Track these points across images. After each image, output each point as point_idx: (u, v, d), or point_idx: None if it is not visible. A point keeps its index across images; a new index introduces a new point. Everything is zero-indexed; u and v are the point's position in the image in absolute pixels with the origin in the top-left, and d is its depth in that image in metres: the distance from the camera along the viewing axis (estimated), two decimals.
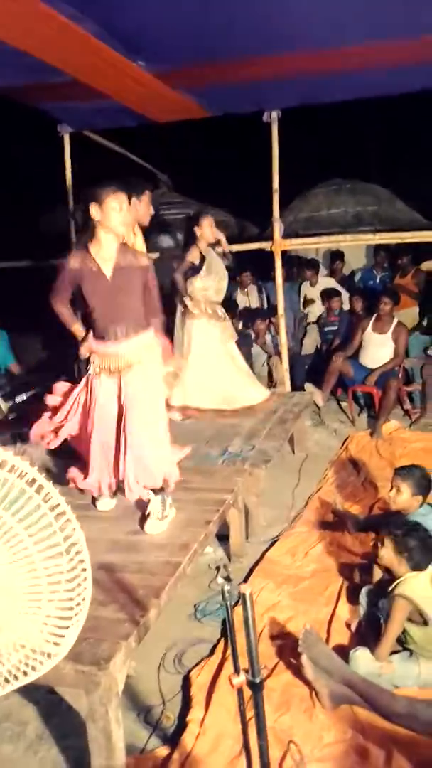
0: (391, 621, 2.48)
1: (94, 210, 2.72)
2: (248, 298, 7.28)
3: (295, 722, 2.28)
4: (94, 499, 3.17)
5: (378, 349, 5.57)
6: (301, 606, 3.00)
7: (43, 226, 7.75)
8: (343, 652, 2.55)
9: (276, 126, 5.50)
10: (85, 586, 1.85)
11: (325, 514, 3.95)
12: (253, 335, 6.38)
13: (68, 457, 3.31)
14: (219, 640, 2.78)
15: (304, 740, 2.17)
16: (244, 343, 6.15)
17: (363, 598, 2.85)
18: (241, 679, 1.53)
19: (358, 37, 3.85)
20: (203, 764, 2.10)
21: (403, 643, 2.56)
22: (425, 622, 2.46)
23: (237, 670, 1.56)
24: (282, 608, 2.99)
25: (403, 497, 3.05)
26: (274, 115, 5.48)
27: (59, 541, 1.79)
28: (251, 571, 3.37)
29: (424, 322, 6.43)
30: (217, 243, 4.76)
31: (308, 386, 5.69)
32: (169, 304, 4.48)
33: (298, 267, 7.40)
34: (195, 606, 3.04)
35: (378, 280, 7.17)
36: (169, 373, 3.10)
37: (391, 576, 2.65)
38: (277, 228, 5.72)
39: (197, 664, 2.63)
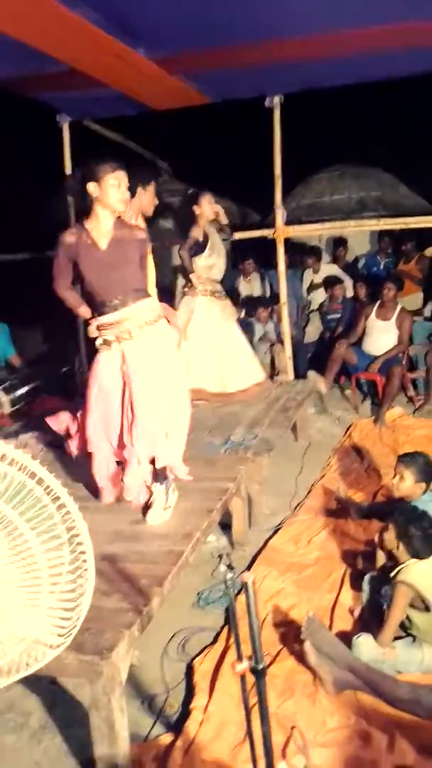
0: (393, 607, 2.49)
1: (92, 187, 2.71)
2: (251, 285, 7.25)
3: (298, 708, 2.29)
4: (97, 491, 3.16)
5: (382, 335, 5.55)
6: (305, 593, 3.02)
7: (43, 218, 7.73)
8: (346, 638, 2.57)
9: (278, 111, 5.45)
10: (87, 577, 1.86)
11: (329, 501, 3.95)
12: (255, 322, 6.38)
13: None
14: (222, 628, 2.80)
15: (308, 726, 2.19)
16: (246, 331, 6.15)
17: (366, 584, 2.86)
18: (244, 665, 1.54)
19: (359, 21, 3.81)
20: (207, 751, 2.12)
21: (406, 629, 2.57)
22: (427, 608, 2.47)
23: (240, 657, 1.56)
24: (285, 595, 3.01)
25: (407, 484, 3.05)
26: (276, 100, 5.42)
27: (61, 533, 1.80)
28: (254, 559, 3.38)
29: (429, 309, 6.39)
30: (216, 219, 4.76)
31: (311, 374, 5.67)
32: (166, 284, 4.48)
33: (301, 254, 7.36)
34: (198, 594, 3.05)
35: (382, 267, 7.12)
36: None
37: (394, 562, 2.66)
38: (280, 215, 5.68)
39: (200, 652, 2.65)
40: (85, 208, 2.79)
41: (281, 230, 5.70)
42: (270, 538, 3.59)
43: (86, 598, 1.87)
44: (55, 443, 3.85)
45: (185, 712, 2.33)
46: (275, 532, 3.65)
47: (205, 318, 4.78)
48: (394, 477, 3.13)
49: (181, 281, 4.81)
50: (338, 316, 6.48)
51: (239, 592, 1.73)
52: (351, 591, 3.00)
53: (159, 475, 2.97)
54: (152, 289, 3.16)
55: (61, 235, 2.83)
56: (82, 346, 5.78)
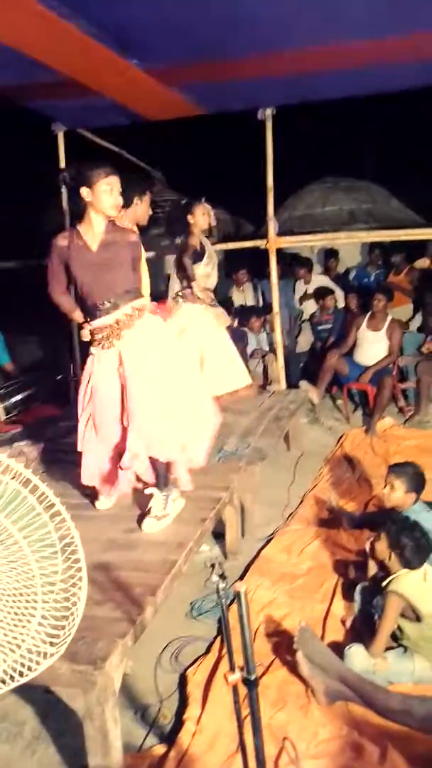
0: (384, 617, 2.50)
1: (84, 192, 2.72)
2: (244, 295, 7.29)
3: (290, 719, 2.29)
4: (92, 499, 3.16)
5: (372, 346, 5.59)
6: (297, 603, 3.02)
7: (37, 226, 7.74)
8: (338, 648, 2.57)
9: (270, 123, 5.50)
10: (81, 586, 1.86)
11: (321, 511, 3.96)
12: (248, 331, 6.40)
13: (67, 459, 3.30)
14: (215, 638, 2.80)
15: (300, 737, 2.19)
16: (239, 340, 6.17)
17: (358, 594, 2.87)
18: (236, 676, 1.54)
19: (352, 34, 3.85)
20: (200, 762, 2.11)
21: (397, 639, 2.58)
22: (419, 619, 2.48)
23: (232, 668, 1.57)
24: (278, 605, 3.01)
25: (397, 494, 3.07)
26: (268, 112, 5.47)
27: (54, 542, 1.80)
28: (247, 568, 3.38)
29: (418, 320, 6.44)
30: (210, 229, 4.78)
31: (303, 384, 5.71)
32: (159, 292, 4.47)
33: (292, 265, 7.41)
34: (191, 604, 3.05)
35: (372, 278, 7.18)
36: None
37: (385, 572, 2.67)
38: (272, 226, 5.73)
39: (194, 662, 2.65)
40: (78, 213, 2.80)
41: (273, 241, 5.74)
42: (263, 547, 3.59)
43: (79, 607, 1.87)
44: (49, 451, 3.85)
45: (178, 723, 2.32)
46: (268, 541, 3.65)
47: (201, 326, 4.80)
48: (384, 487, 3.14)
49: (175, 287, 4.80)
50: (329, 326, 6.52)
51: (232, 601, 1.74)
52: (343, 601, 3.01)
53: (159, 481, 2.95)
54: (146, 295, 3.15)
55: (54, 238, 2.85)
56: (76, 353, 5.78)
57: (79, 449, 2.98)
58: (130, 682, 2.48)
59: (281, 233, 5.94)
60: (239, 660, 1.53)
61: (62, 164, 6.00)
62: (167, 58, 4.16)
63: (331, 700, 2.35)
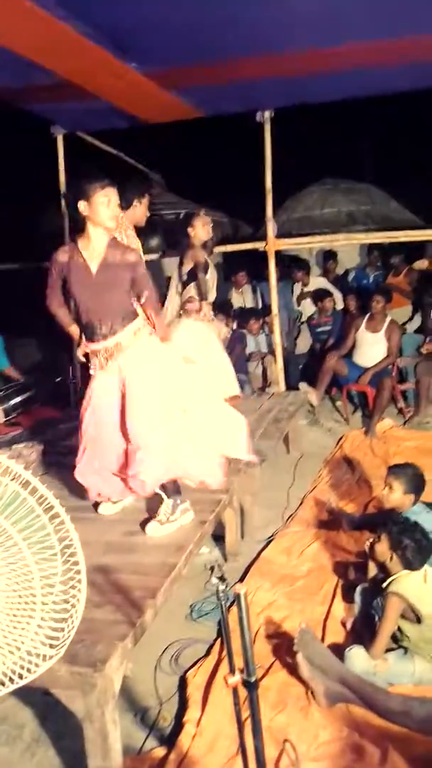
0: (384, 619, 2.50)
1: (82, 206, 2.69)
2: (243, 297, 7.29)
3: (291, 721, 2.29)
4: (95, 504, 3.14)
5: (371, 347, 5.59)
6: (297, 605, 3.02)
7: (37, 228, 7.75)
8: (338, 650, 2.57)
9: (269, 126, 5.51)
10: (80, 588, 1.85)
11: (320, 513, 3.96)
12: (247, 333, 6.40)
13: (67, 461, 3.29)
14: (215, 641, 2.79)
15: (300, 739, 2.18)
16: (238, 342, 6.18)
17: (358, 596, 2.87)
18: (236, 678, 1.54)
19: (350, 36, 3.87)
20: (200, 765, 2.11)
21: (398, 640, 2.58)
22: (419, 620, 2.48)
23: (232, 670, 1.56)
24: (277, 607, 3.01)
25: (396, 495, 3.07)
26: (267, 114, 5.49)
27: (54, 544, 1.79)
28: (247, 570, 3.38)
29: (417, 321, 6.45)
30: (210, 242, 4.75)
31: (303, 385, 5.71)
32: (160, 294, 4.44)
33: (290, 267, 7.41)
34: (191, 606, 3.04)
35: (371, 280, 7.18)
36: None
37: (385, 573, 2.67)
38: (271, 228, 5.74)
39: (193, 665, 2.64)
40: (77, 226, 2.79)
41: (272, 243, 5.75)
42: (262, 549, 3.59)
43: (79, 610, 1.87)
44: (49, 453, 3.85)
45: (178, 725, 2.32)
46: (267, 543, 3.65)
47: (205, 339, 4.77)
48: (383, 488, 3.14)
49: (176, 302, 4.72)
50: (328, 328, 6.53)
51: (232, 604, 1.73)
52: (343, 602, 3.01)
53: (168, 488, 2.94)
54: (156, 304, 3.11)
55: (54, 253, 2.83)
56: (75, 356, 5.78)
57: (76, 462, 2.98)
58: (129, 685, 2.48)
59: (280, 235, 5.95)
60: (239, 662, 1.53)
61: (61, 167, 6.02)
62: (166, 60, 4.17)
63: (331, 702, 2.34)
